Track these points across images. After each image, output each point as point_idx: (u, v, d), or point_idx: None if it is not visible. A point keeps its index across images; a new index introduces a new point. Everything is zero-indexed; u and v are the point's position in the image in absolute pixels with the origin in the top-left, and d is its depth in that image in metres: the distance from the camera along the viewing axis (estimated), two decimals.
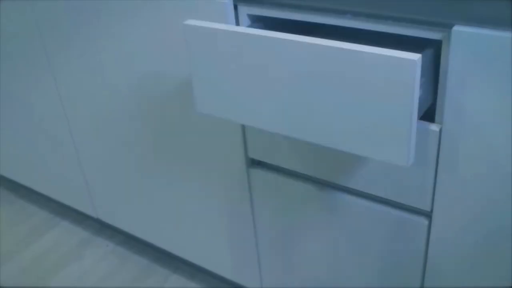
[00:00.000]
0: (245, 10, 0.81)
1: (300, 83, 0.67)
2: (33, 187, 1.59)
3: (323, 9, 0.73)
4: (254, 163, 0.98)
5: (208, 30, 0.72)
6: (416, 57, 0.57)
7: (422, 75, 0.66)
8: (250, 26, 0.82)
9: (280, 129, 0.72)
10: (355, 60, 0.61)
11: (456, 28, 0.63)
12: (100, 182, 1.34)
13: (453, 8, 0.63)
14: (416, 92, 0.59)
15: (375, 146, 0.65)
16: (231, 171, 1.01)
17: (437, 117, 0.72)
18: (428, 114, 0.72)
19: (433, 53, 0.69)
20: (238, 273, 1.19)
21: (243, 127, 0.93)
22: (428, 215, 0.80)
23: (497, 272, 0.77)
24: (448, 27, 0.65)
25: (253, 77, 0.71)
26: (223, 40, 0.71)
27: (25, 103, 1.37)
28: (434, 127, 0.72)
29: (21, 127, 1.44)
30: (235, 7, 0.82)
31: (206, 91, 0.78)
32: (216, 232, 1.15)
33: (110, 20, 1.00)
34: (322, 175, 0.88)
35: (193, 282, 1.35)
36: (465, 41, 0.63)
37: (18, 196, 1.73)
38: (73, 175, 1.40)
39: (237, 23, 0.83)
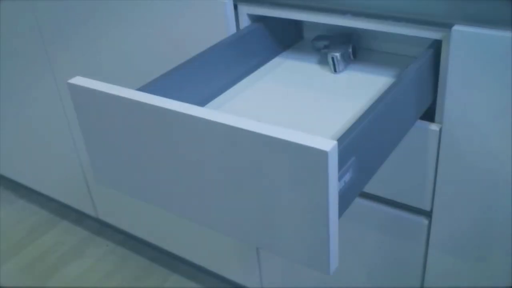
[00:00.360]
0: (245, 10, 0.81)
1: (197, 163, 0.55)
2: (33, 187, 1.59)
3: (323, 9, 0.73)
4: None
5: (93, 92, 0.58)
6: (328, 146, 0.45)
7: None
8: (250, 26, 0.82)
9: (182, 214, 0.61)
10: (265, 145, 0.48)
11: (456, 28, 0.63)
12: None
13: (453, 8, 0.63)
14: (332, 187, 0.47)
15: (290, 249, 0.53)
16: None
17: (437, 117, 0.72)
18: (428, 113, 0.72)
19: (433, 52, 0.69)
20: (238, 273, 1.19)
21: None
22: (428, 214, 0.80)
23: (497, 272, 0.77)
24: (448, 26, 0.65)
25: (149, 150, 0.58)
26: (112, 105, 0.57)
27: (25, 102, 1.37)
28: (434, 126, 0.72)
29: (21, 126, 1.44)
30: (235, 7, 0.82)
31: (101, 161, 0.65)
32: (216, 232, 1.15)
33: (110, 20, 1.00)
34: None
35: (193, 282, 1.35)
36: (465, 40, 0.63)
37: (18, 195, 1.73)
38: (73, 175, 1.40)
39: (237, 23, 0.83)
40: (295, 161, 0.47)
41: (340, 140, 0.53)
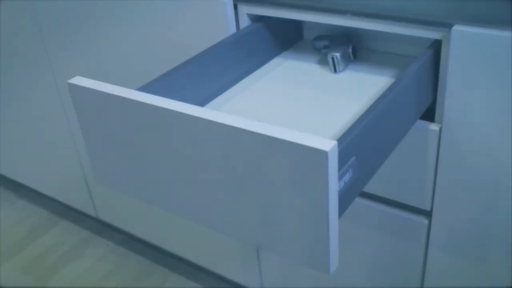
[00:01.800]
0: (245, 10, 0.81)
1: (196, 163, 0.55)
2: (33, 186, 1.59)
3: (323, 9, 0.73)
4: None
5: (93, 92, 0.58)
6: (328, 146, 0.45)
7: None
8: (250, 26, 0.82)
9: (180, 213, 0.61)
10: (265, 145, 0.49)
11: (456, 28, 0.63)
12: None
13: (453, 7, 0.63)
14: (332, 187, 0.47)
15: (290, 249, 0.53)
16: None
17: (437, 117, 0.72)
18: (428, 113, 0.72)
19: (433, 52, 0.69)
20: (238, 273, 1.19)
21: None
22: (428, 214, 0.80)
23: (496, 272, 0.77)
24: (448, 26, 0.65)
25: (145, 150, 0.58)
26: (112, 105, 0.58)
27: (25, 102, 1.37)
28: (434, 126, 0.72)
29: (21, 126, 1.44)
30: (235, 7, 0.82)
31: (101, 160, 0.64)
32: (216, 232, 1.15)
33: (110, 19, 1.00)
34: None
35: (193, 282, 1.35)
36: (465, 40, 0.63)
37: (18, 195, 1.73)
38: (73, 175, 1.40)
39: (237, 23, 0.83)
40: (295, 161, 0.47)
41: (340, 140, 0.53)
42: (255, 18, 0.83)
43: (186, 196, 0.59)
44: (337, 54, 0.79)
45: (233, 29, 0.84)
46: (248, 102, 0.76)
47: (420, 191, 0.78)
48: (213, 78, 0.76)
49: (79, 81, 0.59)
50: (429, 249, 0.82)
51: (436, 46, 0.69)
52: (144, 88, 0.65)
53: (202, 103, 0.75)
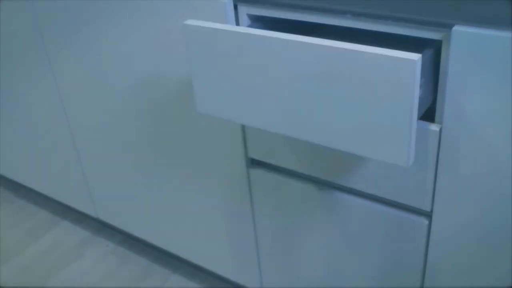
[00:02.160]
0: (245, 10, 0.81)
1: (299, 83, 0.67)
2: (33, 187, 1.59)
3: (323, 9, 0.73)
4: (254, 163, 0.98)
5: (208, 30, 0.72)
6: (416, 57, 0.58)
7: (422, 75, 0.66)
8: (250, 26, 0.82)
9: (280, 129, 0.73)
10: (355, 60, 0.61)
11: (456, 28, 0.63)
12: (100, 182, 1.34)
13: (453, 8, 0.63)
14: (416, 92, 0.60)
15: (375, 146, 0.65)
16: (231, 171, 1.01)
17: (437, 117, 0.72)
18: (428, 114, 0.72)
19: (433, 53, 0.69)
20: (238, 273, 1.19)
21: (243, 127, 0.93)
22: (428, 215, 0.80)
23: (497, 272, 0.77)
24: (448, 27, 0.64)
25: (253, 77, 0.71)
26: (223, 40, 0.71)
27: (25, 103, 1.37)
28: (434, 127, 0.72)
29: (21, 127, 1.44)
30: (235, 7, 0.82)
31: (206, 91, 0.77)
32: (216, 232, 1.15)
33: (110, 20, 1.00)
34: (322, 175, 0.88)
35: (193, 282, 1.35)
36: (465, 41, 0.63)
37: (18, 196, 1.73)
38: (73, 175, 1.40)
39: (237, 23, 0.83)
40: (389, 72, 0.59)
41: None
42: (255, 18, 0.83)
43: (289, 113, 0.70)
44: None
45: None
46: None
47: (420, 191, 0.78)
48: None
49: (194, 22, 0.73)
50: (429, 249, 0.82)
51: (436, 46, 0.69)
52: None
53: None
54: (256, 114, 0.74)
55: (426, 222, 0.80)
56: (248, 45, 0.69)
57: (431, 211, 0.79)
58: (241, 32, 0.69)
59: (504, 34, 0.60)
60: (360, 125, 0.65)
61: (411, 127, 0.61)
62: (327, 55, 0.63)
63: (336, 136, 0.68)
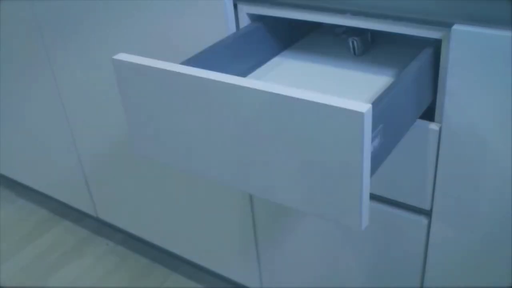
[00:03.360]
0: (245, 9, 0.81)
1: (239, 130, 0.59)
2: (33, 186, 1.59)
3: (323, 8, 0.73)
4: None
5: (137, 67, 0.63)
6: (364, 108, 0.49)
7: (380, 120, 0.60)
8: (250, 25, 0.82)
9: (221, 180, 0.65)
10: (299, 109, 0.53)
11: (456, 27, 0.63)
12: (100, 181, 1.34)
13: (453, 7, 0.63)
14: (366, 148, 0.52)
15: (324, 206, 0.57)
16: None
17: (436, 116, 0.72)
18: (428, 113, 0.72)
19: (433, 52, 0.69)
20: (238, 273, 1.19)
21: None
22: (428, 214, 0.80)
23: (497, 272, 0.77)
24: (447, 26, 0.64)
25: (188, 120, 0.63)
26: (153, 78, 0.63)
27: (25, 102, 1.37)
28: (433, 126, 0.72)
29: (21, 126, 1.44)
30: (235, 6, 0.82)
31: (141, 133, 0.69)
32: (216, 231, 1.15)
33: (110, 20, 1.00)
34: None
35: (193, 281, 1.35)
36: (465, 40, 0.63)
37: (18, 195, 1.73)
38: (73, 174, 1.40)
39: (237, 23, 0.83)
40: (334, 123, 0.52)
41: (373, 105, 0.57)
42: (255, 18, 0.83)
43: (226, 161, 0.63)
44: (357, 38, 0.83)
45: (233, 29, 0.84)
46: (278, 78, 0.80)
47: (420, 190, 0.78)
48: None
49: (124, 57, 0.65)
50: (429, 249, 0.82)
51: (436, 46, 0.69)
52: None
53: None
54: (194, 161, 0.66)
55: (425, 221, 0.80)
56: (182, 85, 0.61)
57: (431, 210, 0.79)
58: (172, 70, 0.60)
59: (503, 33, 0.60)
60: (308, 181, 0.57)
61: (362, 186, 0.53)
62: (269, 102, 0.55)
63: (281, 191, 0.60)
